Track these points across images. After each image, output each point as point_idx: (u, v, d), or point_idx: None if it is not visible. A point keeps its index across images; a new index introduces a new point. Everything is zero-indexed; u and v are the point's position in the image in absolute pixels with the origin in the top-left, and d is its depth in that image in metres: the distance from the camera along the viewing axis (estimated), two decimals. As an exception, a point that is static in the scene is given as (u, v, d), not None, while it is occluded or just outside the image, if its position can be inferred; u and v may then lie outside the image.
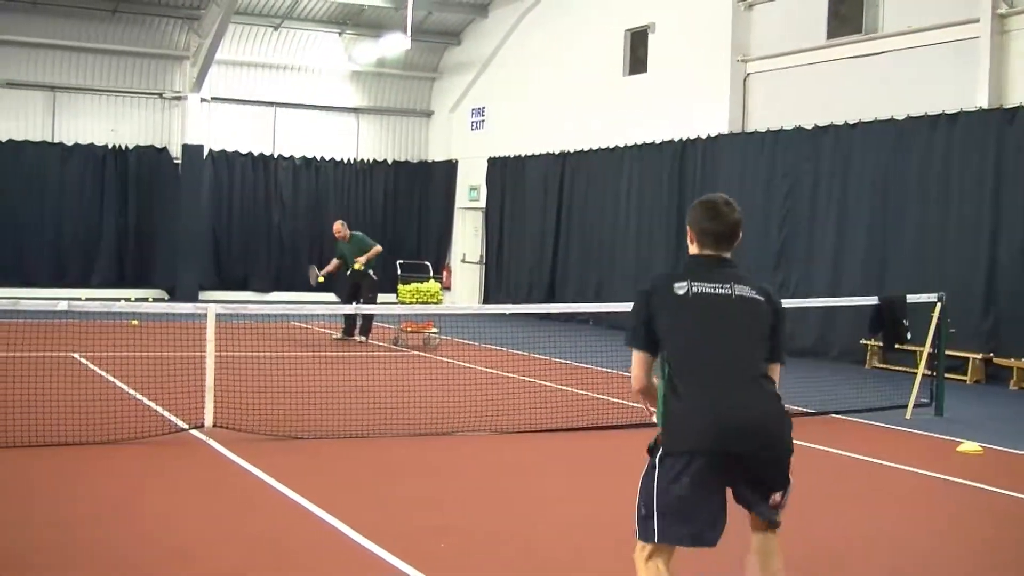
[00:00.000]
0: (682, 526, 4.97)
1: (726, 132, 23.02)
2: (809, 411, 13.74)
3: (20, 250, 28.90)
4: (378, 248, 21.10)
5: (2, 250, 28.68)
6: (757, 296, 5.14)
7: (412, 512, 8.41)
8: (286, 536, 7.62)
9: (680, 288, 5.08)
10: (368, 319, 20.68)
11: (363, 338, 20.61)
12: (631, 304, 5.27)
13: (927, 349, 14.10)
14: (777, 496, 5.09)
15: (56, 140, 29.36)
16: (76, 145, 29.52)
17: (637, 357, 5.19)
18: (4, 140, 28.77)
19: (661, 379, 5.13)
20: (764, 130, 22.12)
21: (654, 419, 5.28)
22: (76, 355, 16.14)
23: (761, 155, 22.06)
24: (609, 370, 16.58)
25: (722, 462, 4.93)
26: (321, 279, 21.60)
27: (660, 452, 5.03)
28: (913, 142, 19.18)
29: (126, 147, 30.04)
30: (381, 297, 21.56)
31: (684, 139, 24.02)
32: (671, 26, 24.90)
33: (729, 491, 5.11)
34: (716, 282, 5.10)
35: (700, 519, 4.98)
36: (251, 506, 8.56)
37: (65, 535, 7.45)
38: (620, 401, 13.75)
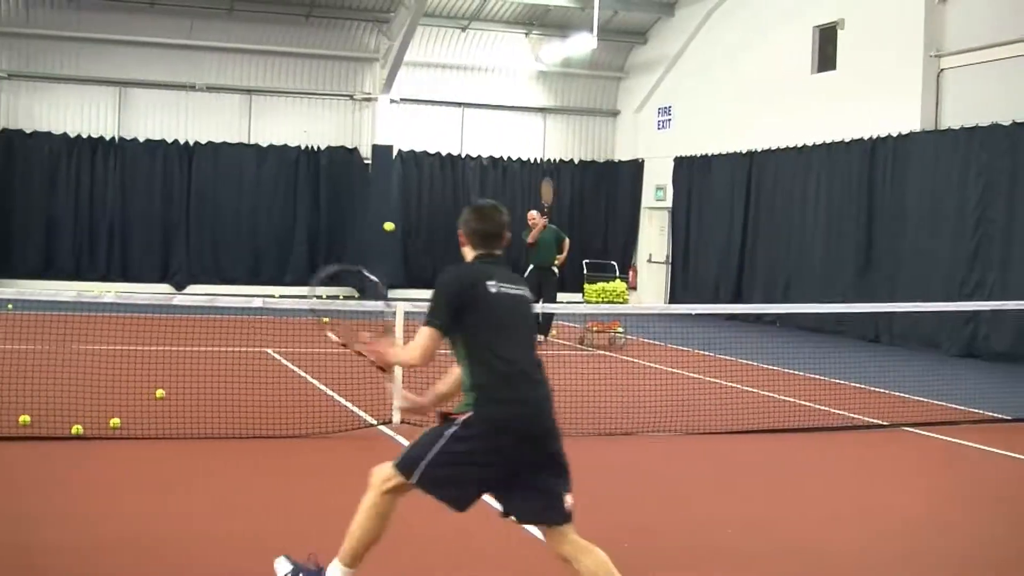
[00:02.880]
0: (449, 486, 5.67)
1: (918, 129, 22.46)
2: (1004, 417, 13.36)
3: (217, 248, 29.91)
4: (567, 245, 21.14)
5: (201, 248, 29.74)
6: (527, 294, 5.89)
7: (597, 511, 8.43)
8: (474, 532, 7.71)
9: (492, 287, 5.66)
10: (548, 318, 20.62)
11: (542, 338, 20.63)
12: (433, 292, 5.77)
13: None
14: (570, 498, 5.69)
15: (251, 142, 30.26)
16: (270, 146, 30.35)
17: (433, 334, 5.64)
18: (203, 142, 29.77)
19: (461, 369, 5.74)
20: (958, 127, 21.52)
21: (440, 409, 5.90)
22: (269, 350, 16.59)
23: (955, 152, 21.44)
24: (796, 372, 16.38)
25: (516, 456, 5.55)
26: (549, 203, 21.66)
27: (456, 429, 5.57)
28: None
29: (318, 148, 30.77)
30: (568, 296, 21.55)
31: (874, 137, 23.52)
32: (861, 22, 24.40)
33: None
34: (512, 283, 5.76)
35: (461, 493, 5.68)
36: (434, 502, 8.67)
37: (248, 524, 7.68)
38: (807, 403, 13.57)
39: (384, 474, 5.74)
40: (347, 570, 5.81)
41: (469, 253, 5.91)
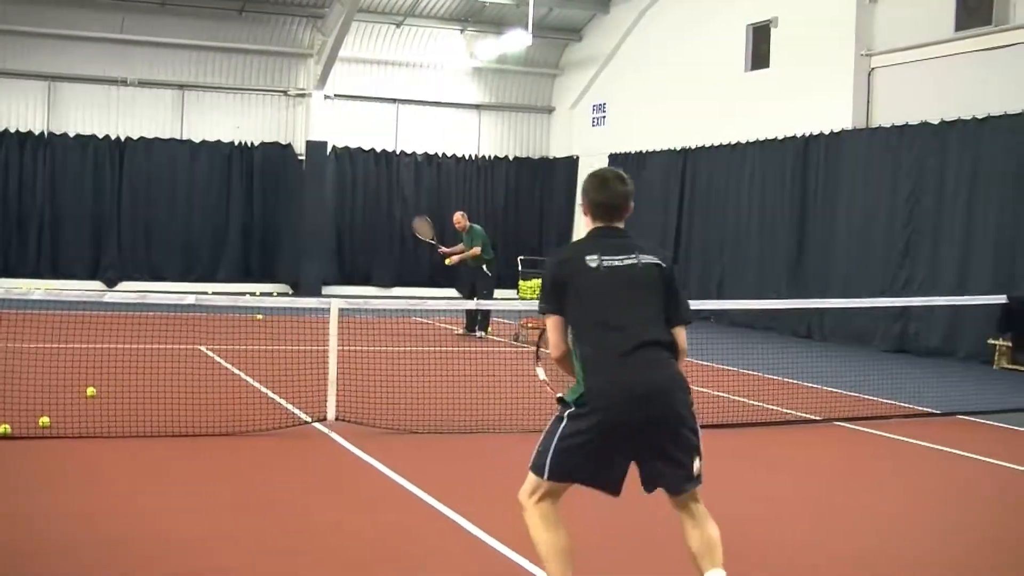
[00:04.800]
0: (577, 471, 5.44)
1: (850, 127, 22.69)
2: (935, 412, 13.53)
3: (150, 245, 29.61)
4: (477, 251, 21.13)
5: (133, 245, 29.44)
6: (660, 262, 5.55)
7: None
8: (405, 528, 7.70)
9: (592, 261, 5.44)
10: (486, 315, 20.77)
11: (481, 334, 20.71)
12: (543, 276, 5.68)
13: (1058, 349, 13.79)
14: (695, 465, 5.43)
15: (184, 137, 29.98)
16: (203, 142, 30.10)
17: (554, 322, 5.50)
18: (135, 137, 29.45)
19: (572, 344, 5.48)
20: (889, 125, 21.76)
21: (559, 394, 5.58)
22: (203, 348, 16.45)
23: (886, 151, 21.69)
24: (729, 368, 16.48)
25: (629, 429, 5.30)
26: (429, 240, 21.78)
27: (572, 409, 5.39)
28: (1045, 137, 18.76)
29: (251, 144, 30.56)
30: (503, 293, 21.60)
31: (807, 135, 23.73)
32: (794, 20, 24.60)
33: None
34: (622, 254, 5.49)
35: (594, 470, 5.43)
36: (372, 499, 8.66)
37: (185, 522, 7.62)
38: (740, 399, 13.66)
39: (526, 489, 5.61)
40: None
41: (588, 224, 5.72)
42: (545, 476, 5.47)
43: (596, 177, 5.69)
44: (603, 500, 5.71)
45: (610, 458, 5.43)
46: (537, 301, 5.66)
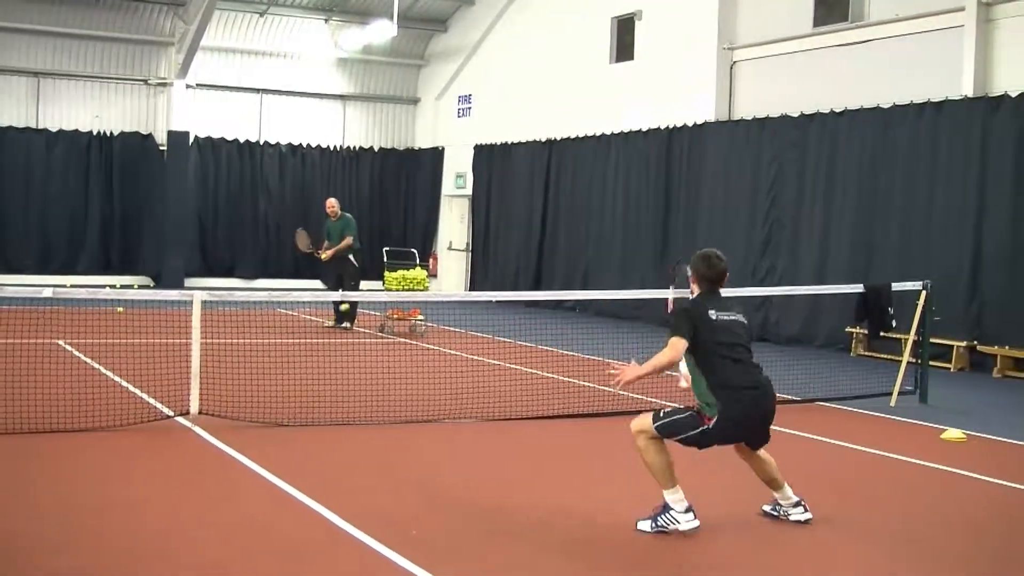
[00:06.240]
0: (694, 445, 7.75)
1: (712, 120, 23.04)
2: (794, 398, 13.79)
3: (4, 237, 28.83)
4: (349, 242, 21.01)
5: (-14, 237, 28.66)
6: (744, 319, 7.95)
7: (396, 498, 8.43)
8: (271, 523, 7.62)
9: (712, 314, 7.73)
10: (352, 306, 20.66)
11: (347, 325, 20.60)
12: (677, 314, 7.98)
13: (912, 337, 14.15)
14: (767, 434, 7.93)
15: (41, 126, 29.25)
16: (61, 131, 29.41)
17: (682, 344, 7.51)
18: (-12, 126, 28.70)
19: (695, 373, 7.72)
20: (750, 118, 22.15)
21: (682, 384, 8.69)
22: (61, 342, 16.11)
23: (747, 143, 22.08)
24: (595, 357, 16.60)
25: (744, 431, 7.76)
26: (308, 250, 21.60)
27: (705, 427, 7.59)
28: (899, 130, 19.24)
29: (111, 133, 29.95)
30: (368, 284, 21.50)
31: (671, 127, 24.04)
32: (657, 13, 24.90)
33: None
34: (727, 311, 7.85)
35: (706, 446, 7.83)
36: (236, 493, 8.56)
37: (43, 522, 7.44)
38: (605, 388, 13.76)
39: (644, 425, 7.68)
40: (673, 489, 7.62)
41: (696, 288, 7.97)
42: (664, 439, 7.65)
43: (704, 256, 8.00)
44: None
45: (721, 443, 7.85)
46: (671, 329, 7.66)
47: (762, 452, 7.94)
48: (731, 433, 7.68)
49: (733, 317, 7.84)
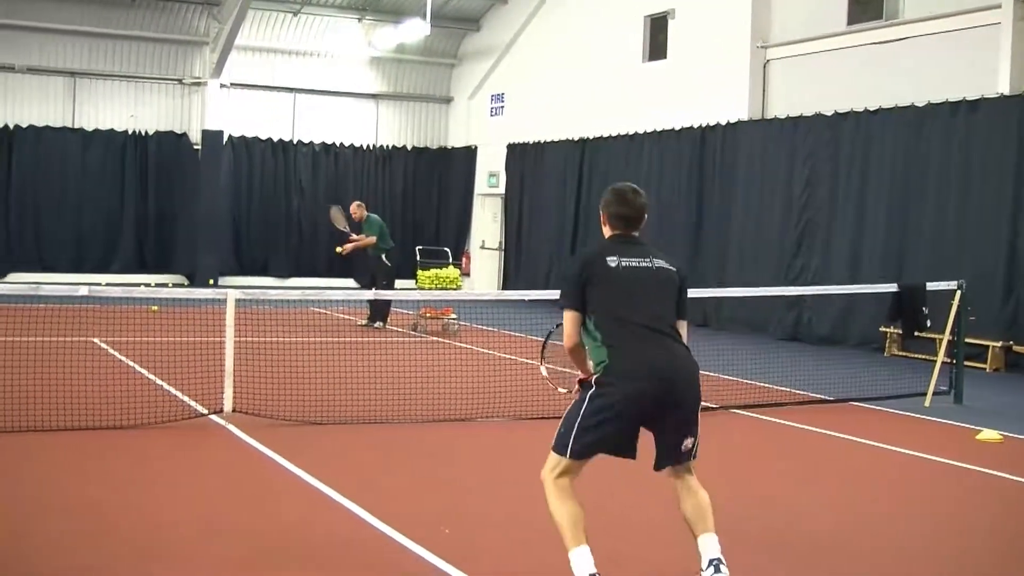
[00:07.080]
0: (598, 444, 6.00)
1: (746, 119, 22.96)
2: (827, 398, 13.75)
3: (41, 236, 29.05)
4: (372, 239, 21.03)
5: (24, 236, 28.87)
6: (670, 267, 6.25)
7: (429, 497, 8.44)
8: (303, 521, 7.64)
9: (612, 261, 6.08)
10: (385, 305, 20.71)
11: (380, 324, 20.65)
12: (565, 275, 6.31)
13: (947, 337, 14.08)
14: (689, 442, 6.07)
15: (77, 126, 29.45)
16: (96, 131, 29.60)
17: (571, 317, 6.10)
18: (25, 126, 28.86)
19: (588, 338, 6.10)
20: (784, 116, 22.06)
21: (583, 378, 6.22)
22: (96, 340, 16.21)
23: (781, 141, 22.00)
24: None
25: (649, 400, 5.92)
26: (343, 229, 21.63)
27: (593, 389, 5.99)
28: (933, 129, 19.11)
29: (146, 133, 30.12)
30: (401, 283, 21.55)
31: (703, 125, 23.97)
32: (691, 12, 24.83)
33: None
34: (639, 257, 6.16)
35: (616, 441, 6.04)
36: (269, 491, 8.59)
37: (80, 519, 7.49)
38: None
39: (547, 467, 6.10)
40: (579, 548, 5.96)
41: (607, 232, 6.33)
42: (568, 455, 6.01)
43: (615, 191, 6.33)
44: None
45: (631, 428, 6.04)
46: (559, 296, 6.24)
47: (693, 480, 6.19)
48: (630, 399, 5.91)
49: (644, 264, 6.16)
